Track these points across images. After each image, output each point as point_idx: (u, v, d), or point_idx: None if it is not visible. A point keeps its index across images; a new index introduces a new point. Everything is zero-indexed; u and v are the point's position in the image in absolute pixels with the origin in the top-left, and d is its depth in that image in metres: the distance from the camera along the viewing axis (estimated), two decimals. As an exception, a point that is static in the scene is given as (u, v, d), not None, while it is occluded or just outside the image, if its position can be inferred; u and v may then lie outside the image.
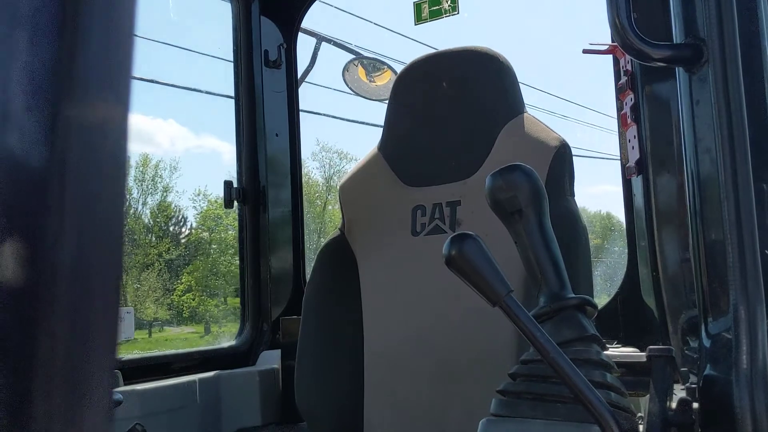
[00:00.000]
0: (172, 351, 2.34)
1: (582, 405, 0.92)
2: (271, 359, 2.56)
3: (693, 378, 1.39)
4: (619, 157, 2.19)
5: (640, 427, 1.10)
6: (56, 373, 0.31)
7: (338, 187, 2.17)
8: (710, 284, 1.07)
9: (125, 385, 2.03)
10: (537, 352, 0.96)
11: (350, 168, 2.24)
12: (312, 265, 2.10)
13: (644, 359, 1.21)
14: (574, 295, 1.10)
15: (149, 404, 2.03)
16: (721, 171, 0.97)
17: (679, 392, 1.23)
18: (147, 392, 2.05)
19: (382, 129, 2.11)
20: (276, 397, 2.47)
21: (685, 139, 1.16)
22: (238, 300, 3.00)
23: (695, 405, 1.12)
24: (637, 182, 2.07)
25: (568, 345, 1.06)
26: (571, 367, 0.91)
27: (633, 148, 2.02)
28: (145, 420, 1.81)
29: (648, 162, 1.92)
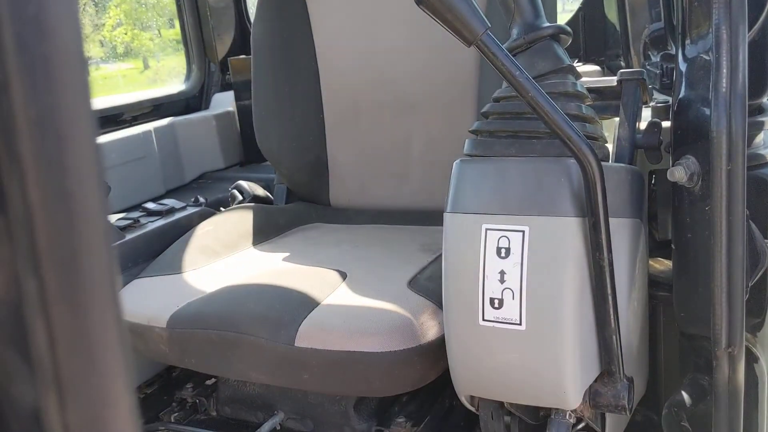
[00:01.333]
0: (120, 100, 2.22)
1: (560, 140, 0.90)
2: (224, 102, 2.48)
3: (657, 95, 1.39)
4: None
5: (609, 148, 1.11)
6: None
7: None
8: (690, 3, 1.01)
9: None
10: (512, 88, 0.92)
11: None
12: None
13: (615, 84, 1.19)
14: (548, 24, 1.04)
15: (106, 158, 1.98)
16: None
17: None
18: (102, 146, 1.98)
19: None
20: (236, 139, 2.44)
21: None
22: (173, 32, 2.82)
23: (665, 124, 1.13)
24: None
25: (544, 78, 1.02)
26: (550, 103, 0.88)
27: None
28: (106, 174, 1.78)
29: None
